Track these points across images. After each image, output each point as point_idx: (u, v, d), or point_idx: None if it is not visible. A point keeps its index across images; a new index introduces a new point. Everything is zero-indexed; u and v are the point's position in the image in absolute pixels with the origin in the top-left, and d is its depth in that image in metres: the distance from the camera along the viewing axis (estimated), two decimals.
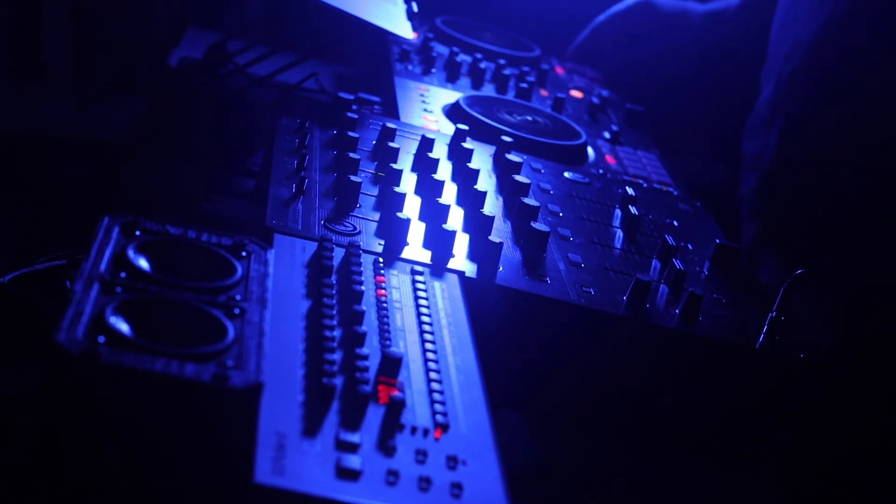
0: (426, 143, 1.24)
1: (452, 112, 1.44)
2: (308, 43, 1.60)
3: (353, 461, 0.72)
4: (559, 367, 1.03)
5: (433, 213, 1.07)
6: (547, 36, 1.92)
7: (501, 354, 0.96)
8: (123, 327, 0.76)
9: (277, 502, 0.68)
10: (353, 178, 1.09)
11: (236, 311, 0.81)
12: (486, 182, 1.22)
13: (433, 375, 0.84)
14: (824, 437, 1.17)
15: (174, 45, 1.59)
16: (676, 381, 1.04)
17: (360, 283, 0.91)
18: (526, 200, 1.14)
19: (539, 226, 1.10)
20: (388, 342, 0.86)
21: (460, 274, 1.00)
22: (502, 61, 1.68)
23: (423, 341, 0.88)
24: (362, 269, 0.94)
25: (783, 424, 1.06)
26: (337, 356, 0.81)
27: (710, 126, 1.83)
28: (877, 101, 1.32)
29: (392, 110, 1.43)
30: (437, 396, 0.81)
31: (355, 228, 1.03)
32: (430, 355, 0.86)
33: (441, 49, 1.71)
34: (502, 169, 1.26)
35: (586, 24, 1.88)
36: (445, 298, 0.96)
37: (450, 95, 1.51)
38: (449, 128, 1.39)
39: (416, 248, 1.03)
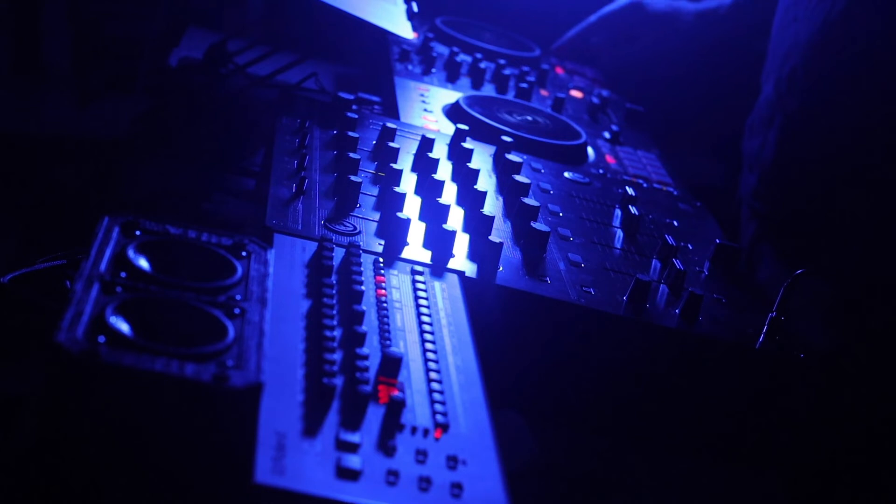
0: (426, 143, 1.24)
1: (452, 112, 1.44)
2: (308, 43, 1.60)
3: (354, 461, 0.72)
4: (559, 367, 1.03)
5: (433, 213, 1.07)
6: (547, 36, 1.92)
7: (501, 354, 0.96)
8: (123, 327, 0.76)
9: (277, 502, 0.68)
10: (353, 178, 1.09)
11: (236, 310, 0.81)
12: (486, 182, 1.22)
13: (433, 375, 0.84)
14: (824, 436, 1.17)
15: (174, 45, 1.59)
16: (676, 381, 1.04)
17: (361, 283, 0.91)
18: (526, 200, 1.14)
19: (539, 226, 1.10)
20: (388, 342, 0.86)
21: (460, 274, 1.00)
22: (502, 61, 1.68)
23: (423, 341, 0.88)
24: (362, 269, 0.94)
25: (783, 424, 1.06)
26: (337, 356, 0.81)
27: (709, 125, 1.84)
28: (875, 100, 1.32)
29: (392, 110, 1.43)
30: (437, 396, 0.81)
31: (355, 228, 1.03)
32: (430, 355, 0.86)
33: (441, 49, 1.71)
34: (502, 169, 1.26)
35: None
36: (445, 298, 0.96)
37: (450, 95, 1.51)
38: (449, 128, 1.39)
39: (416, 248, 1.03)
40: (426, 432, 0.77)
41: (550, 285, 1.03)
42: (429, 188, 1.13)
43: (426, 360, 0.85)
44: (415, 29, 1.63)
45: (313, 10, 1.46)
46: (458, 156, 1.26)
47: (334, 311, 0.86)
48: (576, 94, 1.71)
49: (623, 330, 1.03)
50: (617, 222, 1.24)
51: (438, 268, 1.00)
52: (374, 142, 1.25)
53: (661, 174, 1.46)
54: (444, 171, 1.22)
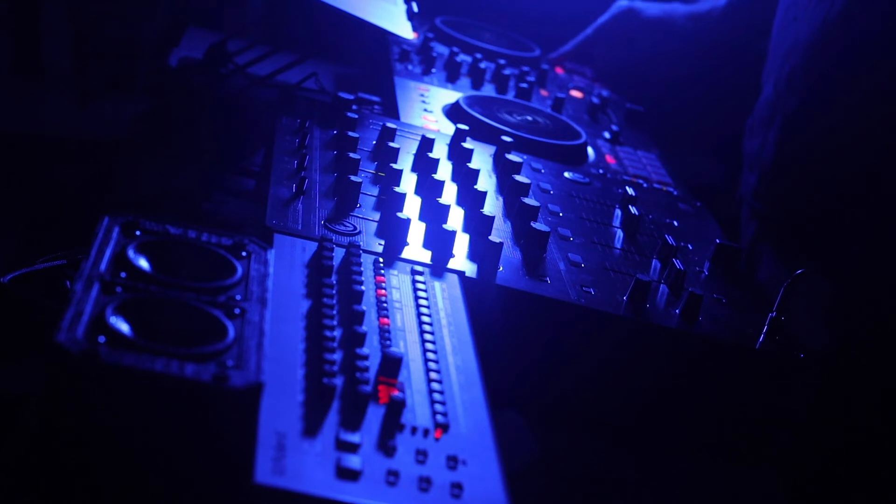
0: (426, 143, 1.24)
1: (452, 112, 1.44)
2: (308, 43, 1.60)
3: (354, 461, 0.72)
4: (559, 367, 1.03)
5: (433, 213, 1.07)
6: (547, 36, 1.92)
7: (501, 354, 0.96)
8: (123, 327, 0.76)
9: (277, 502, 0.68)
10: (353, 178, 1.09)
11: (236, 311, 0.81)
12: (486, 182, 1.22)
13: (433, 375, 0.84)
14: (823, 436, 1.17)
15: (174, 45, 1.59)
16: (676, 380, 1.04)
17: (361, 283, 0.91)
18: (526, 200, 1.14)
19: (539, 226, 1.10)
20: (388, 342, 0.86)
21: (460, 274, 1.00)
22: (502, 61, 1.68)
23: (423, 341, 0.88)
24: (362, 269, 0.94)
25: (783, 424, 1.06)
26: (337, 356, 0.81)
27: (709, 125, 1.84)
28: (874, 100, 1.32)
29: (392, 110, 1.43)
30: (437, 396, 0.81)
31: (355, 228, 1.03)
32: (430, 355, 0.86)
33: (441, 49, 1.71)
34: (502, 169, 1.26)
35: (586, 25, 1.88)
36: (445, 298, 0.96)
37: (450, 95, 1.51)
38: (449, 128, 1.39)
39: (416, 248, 1.03)
40: (426, 432, 0.77)
41: (550, 285, 1.03)
42: (429, 188, 1.13)
43: (426, 360, 0.85)
44: (415, 29, 1.63)
45: (313, 10, 1.46)
46: (458, 156, 1.26)
47: (334, 311, 0.86)
48: (576, 94, 1.71)
49: (623, 330, 1.03)
50: (617, 222, 1.24)
51: (438, 268, 1.00)
52: (374, 142, 1.25)
53: (661, 174, 1.46)
54: (444, 171, 1.22)
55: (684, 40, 1.78)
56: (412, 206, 1.10)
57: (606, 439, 1.05)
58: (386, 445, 0.75)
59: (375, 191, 1.13)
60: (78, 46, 1.52)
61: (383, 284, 0.94)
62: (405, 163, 1.20)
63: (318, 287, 0.89)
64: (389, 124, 1.26)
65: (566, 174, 1.33)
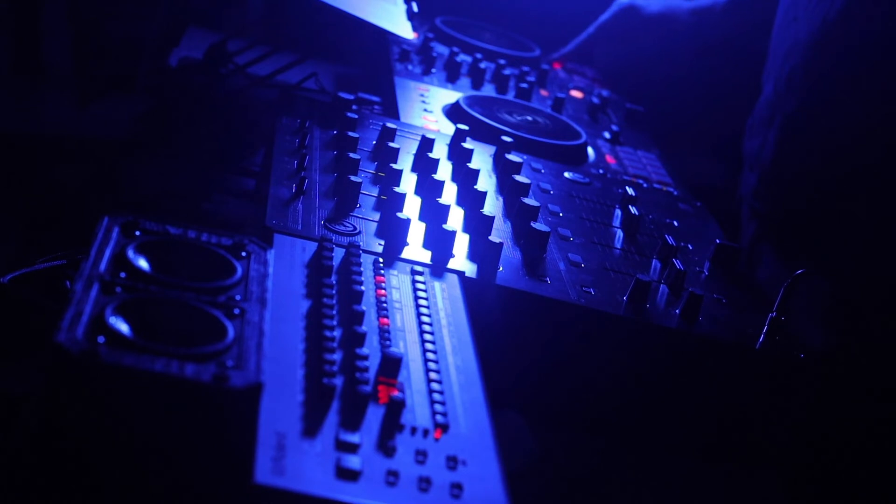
0: (426, 143, 1.24)
1: (452, 112, 1.44)
2: (308, 43, 1.60)
3: (353, 461, 0.72)
4: (559, 367, 1.03)
5: (433, 213, 1.07)
6: (547, 36, 1.92)
7: (501, 354, 0.96)
8: (123, 327, 0.76)
9: (277, 502, 0.68)
10: (353, 178, 1.09)
11: (236, 311, 0.81)
12: (486, 182, 1.22)
13: (433, 375, 0.84)
14: (824, 436, 1.17)
15: (174, 45, 1.59)
16: (676, 380, 1.04)
17: (360, 283, 0.91)
18: (526, 200, 1.14)
19: (539, 226, 1.10)
20: (387, 342, 0.86)
21: (460, 274, 1.00)
22: (502, 61, 1.68)
23: (423, 341, 0.88)
24: (362, 269, 0.94)
25: (783, 424, 1.06)
26: (337, 356, 0.81)
27: (709, 125, 1.83)
28: (874, 100, 1.32)
29: (392, 110, 1.43)
30: (437, 396, 0.81)
31: (355, 228, 1.03)
32: (430, 355, 0.86)
33: (441, 49, 1.71)
34: (502, 169, 1.26)
35: (586, 25, 1.88)
36: (445, 298, 0.96)
37: (450, 95, 1.51)
38: (449, 128, 1.39)
39: (416, 248, 1.03)
40: (426, 432, 0.77)
41: (550, 285, 1.03)
42: (429, 188, 1.14)
43: (426, 361, 0.85)
44: (415, 29, 1.63)
45: (313, 10, 1.46)
46: (458, 156, 1.26)
47: (334, 312, 0.87)
48: (576, 94, 1.71)
49: (623, 330, 1.03)
50: (617, 222, 1.24)
51: (438, 268, 1.00)
52: (374, 142, 1.25)
53: (661, 174, 1.46)
54: (444, 171, 1.22)
55: (685, 37, 1.78)
56: (412, 206, 1.10)
57: (606, 439, 1.05)
58: (386, 446, 0.75)
59: (375, 191, 1.13)
60: (78, 46, 1.52)
61: (383, 284, 0.94)
62: (405, 163, 1.20)
63: (317, 287, 0.89)
64: (389, 124, 1.26)
65: (566, 174, 1.33)
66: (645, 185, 1.40)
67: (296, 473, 0.69)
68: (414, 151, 1.25)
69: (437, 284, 0.97)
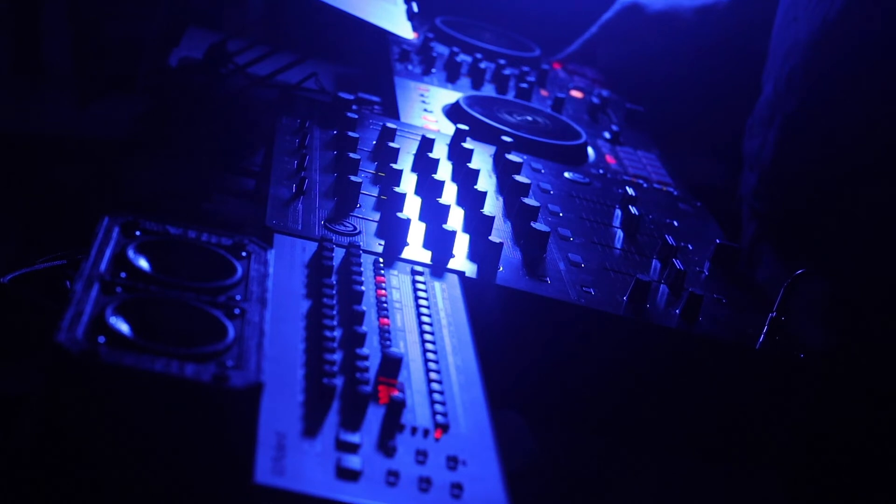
0: (426, 143, 1.24)
1: (452, 112, 1.44)
2: (308, 43, 1.60)
3: (354, 461, 0.72)
4: (559, 367, 1.03)
5: (433, 213, 1.07)
6: (547, 36, 1.92)
7: (501, 354, 0.96)
8: (123, 327, 0.76)
9: (277, 502, 0.68)
10: (353, 178, 1.09)
11: (236, 311, 0.81)
12: (486, 182, 1.22)
13: (433, 375, 0.84)
14: (824, 436, 1.17)
15: (174, 45, 1.59)
16: (676, 380, 1.04)
17: (361, 283, 0.91)
18: (526, 200, 1.14)
19: (539, 226, 1.10)
20: (388, 342, 0.86)
21: (460, 274, 1.00)
22: (502, 61, 1.68)
23: (423, 341, 0.88)
24: (362, 269, 0.94)
25: (783, 424, 1.06)
26: (337, 356, 0.81)
27: (709, 125, 1.83)
28: (874, 100, 1.32)
29: (392, 110, 1.43)
30: (437, 397, 0.81)
31: (355, 228, 1.03)
32: (430, 355, 0.86)
33: (441, 49, 1.71)
34: (502, 169, 1.26)
35: (586, 25, 1.88)
36: (445, 298, 0.96)
37: (450, 95, 1.51)
38: (449, 128, 1.39)
39: (416, 248, 1.03)
40: (426, 433, 0.77)
41: (550, 285, 1.03)
42: (429, 188, 1.14)
43: (426, 361, 0.85)
44: (415, 29, 1.63)
45: (313, 10, 1.46)
46: (459, 156, 1.26)
47: (334, 312, 0.87)
48: (576, 94, 1.71)
49: (623, 330, 1.03)
50: (617, 222, 1.24)
51: (438, 268, 1.00)
52: (374, 142, 1.25)
53: (661, 174, 1.46)
54: (444, 171, 1.22)
55: (688, 36, 1.78)
56: (412, 206, 1.10)
57: (606, 439, 1.05)
58: (386, 446, 0.75)
59: (375, 191, 1.13)
60: (78, 46, 1.52)
61: (383, 284, 0.94)
62: (405, 163, 1.20)
63: (318, 287, 0.89)
64: (389, 124, 1.26)
65: (566, 174, 1.33)
66: (645, 185, 1.40)
67: (296, 473, 0.69)
68: (414, 151, 1.25)
69: (437, 284, 0.97)
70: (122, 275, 0.82)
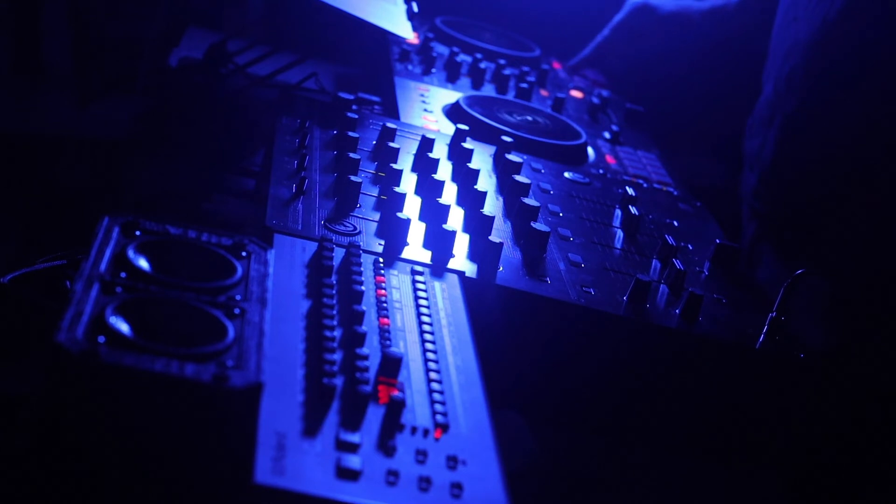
0: (426, 143, 1.24)
1: (452, 112, 1.44)
2: (308, 43, 1.60)
3: (353, 461, 0.72)
4: (559, 367, 1.03)
5: (433, 213, 1.07)
6: (547, 36, 1.92)
7: (501, 354, 0.96)
8: (123, 327, 0.76)
9: (277, 502, 0.68)
10: (353, 178, 1.09)
11: (236, 311, 0.81)
12: (486, 182, 1.22)
13: (433, 375, 0.84)
14: (824, 436, 1.17)
15: (174, 45, 1.59)
16: (676, 380, 1.04)
17: (361, 283, 0.91)
18: (526, 200, 1.14)
19: (539, 226, 1.10)
20: (388, 342, 0.86)
21: (460, 274, 1.00)
22: (502, 61, 1.68)
23: (423, 341, 0.88)
24: (362, 269, 0.94)
25: (783, 424, 1.06)
26: (337, 356, 0.81)
27: (709, 125, 1.83)
28: (874, 100, 1.32)
29: (392, 110, 1.43)
30: (437, 396, 0.81)
31: (355, 228, 1.03)
32: (430, 355, 0.86)
33: (441, 49, 1.71)
34: (502, 169, 1.26)
35: (586, 25, 1.88)
36: (445, 298, 0.96)
37: (450, 95, 1.51)
38: (449, 128, 1.39)
39: (416, 248, 1.03)
40: (426, 432, 0.77)
41: (550, 285, 1.03)
42: (429, 188, 1.14)
43: (426, 361, 0.85)
44: (415, 29, 1.63)
45: (313, 10, 1.46)
46: (459, 156, 1.26)
47: (334, 312, 0.87)
48: (576, 94, 1.71)
49: (623, 330, 1.03)
50: (617, 222, 1.24)
51: (438, 268, 1.00)
52: (374, 142, 1.25)
53: (661, 174, 1.46)
54: (444, 171, 1.22)
55: (697, 36, 1.78)
56: (412, 206, 1.10)
57: (606, 439, 1.05)
58: (386, 445, 0.75)
59: (375, 191, 1.13)
60: (78, 46, 1.52)
61: (383, 284, 0.94)
62: (405, 163, 1.20)
63: (318, 287, 0.89)
64: (389, 124, 1.26)
65: (566, 174, 1.33)
66: (645, 185, 1.40)
67: (296, 473, 0.69)
68: (414, 151, 1.25)
69: (437, 284, 0.97)
70: (122, 275, 0.82)
